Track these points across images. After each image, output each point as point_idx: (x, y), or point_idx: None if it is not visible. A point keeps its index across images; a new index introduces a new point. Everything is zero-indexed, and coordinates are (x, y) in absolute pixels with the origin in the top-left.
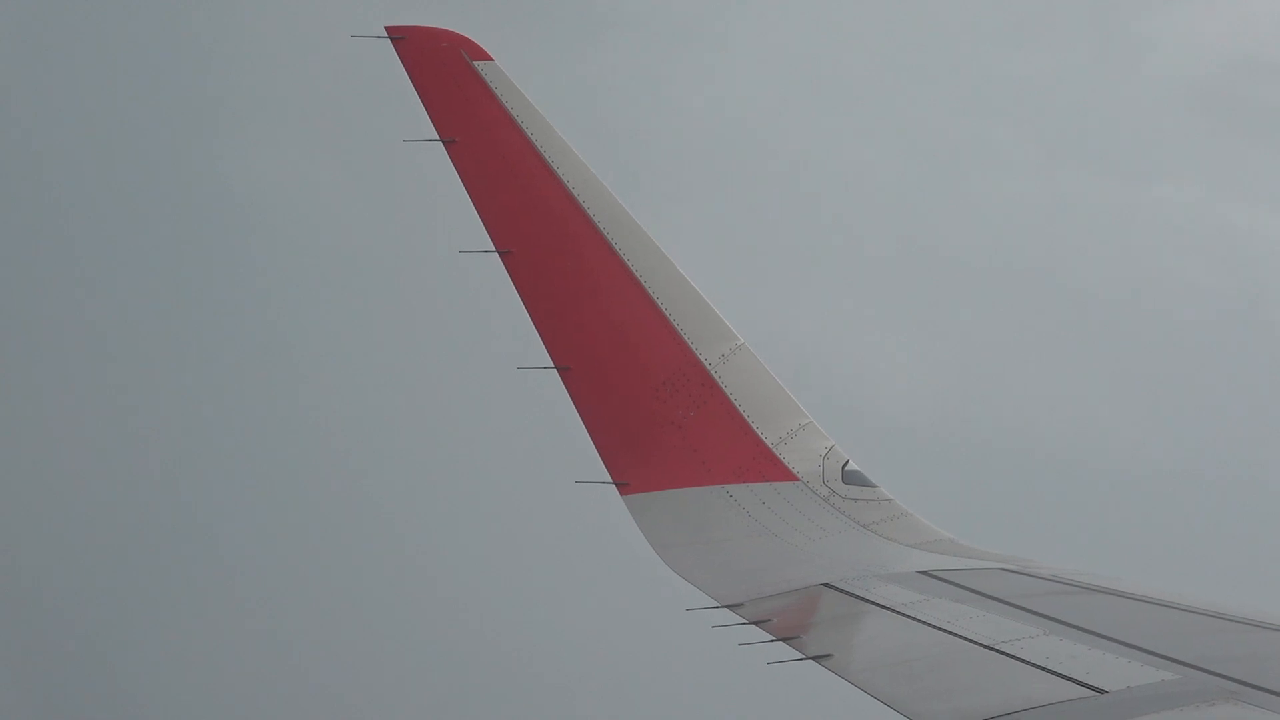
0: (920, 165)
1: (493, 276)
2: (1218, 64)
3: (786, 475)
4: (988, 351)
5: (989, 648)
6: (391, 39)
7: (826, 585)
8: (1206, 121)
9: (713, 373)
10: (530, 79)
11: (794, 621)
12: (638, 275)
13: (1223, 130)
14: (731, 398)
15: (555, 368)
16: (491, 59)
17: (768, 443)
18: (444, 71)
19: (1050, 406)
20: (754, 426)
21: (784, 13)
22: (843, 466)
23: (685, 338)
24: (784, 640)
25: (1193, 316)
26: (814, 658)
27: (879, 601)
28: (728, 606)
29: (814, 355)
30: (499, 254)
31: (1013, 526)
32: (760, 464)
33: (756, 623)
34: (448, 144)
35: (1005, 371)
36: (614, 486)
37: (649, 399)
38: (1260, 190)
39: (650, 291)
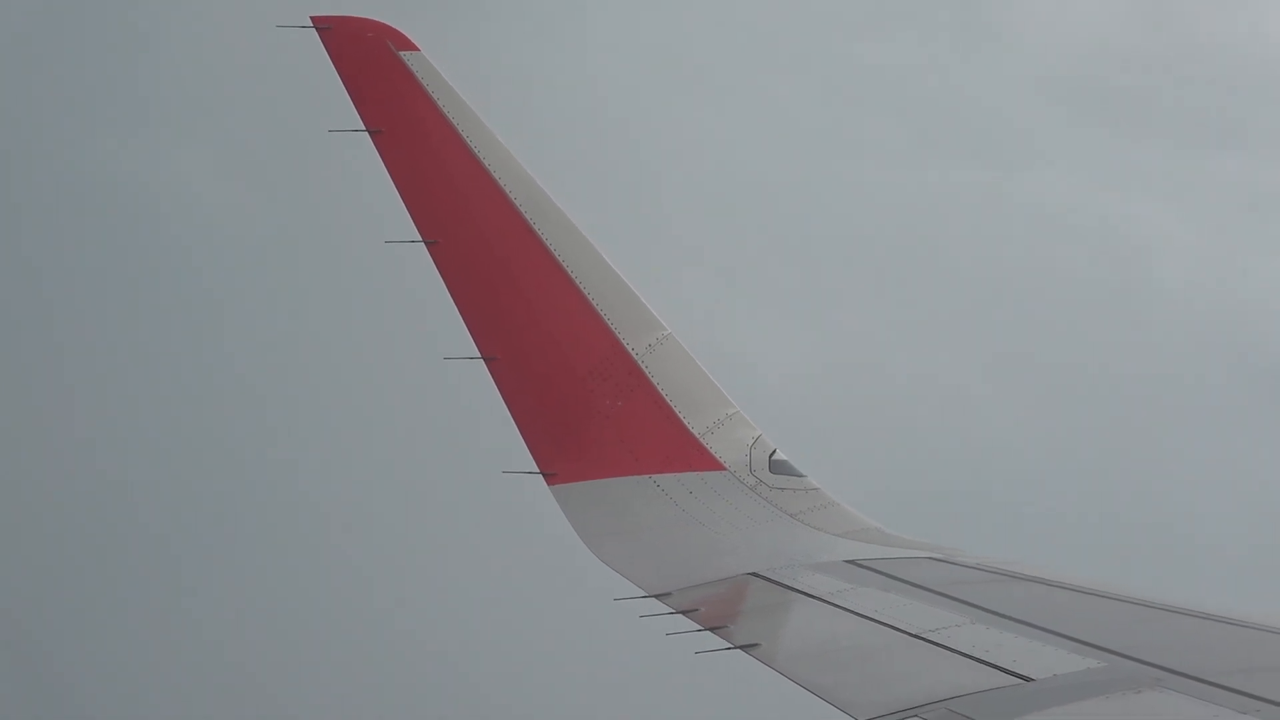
0: (787, 155)
1: (419, 266)
2: (1074, 53)
3: (713, 465)
4: (862, 341)
5: (916, 636)
6: (317, 28)
7: (754, 574)
8: (1066, 110)
9: (640, 362)
10: (459, 68)
11: (721, 611)
12: (564, 265)
13: (1082, 119)
14: (658, 387)
15: (482, 358)
16: (418, 49)
17: (695, 432)
18: (370, 61)
19: (929, 392)
20: (681, 416)
21: (645, 2)
22: (770, 456)
23: (612, 327)
24: (711, 630)
25: (1065, 302)
26: (741, 647)
27: (806, 590)
28: (655, 596)
29: (692, 344)
30: (425, 244)
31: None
32: (687, 453)
33: (684, 612)
34: (374, 134)
35: (881, 360)
36: (541, 477)
37: (576, 389)
38: (1122, 178)
39: (577, 281)
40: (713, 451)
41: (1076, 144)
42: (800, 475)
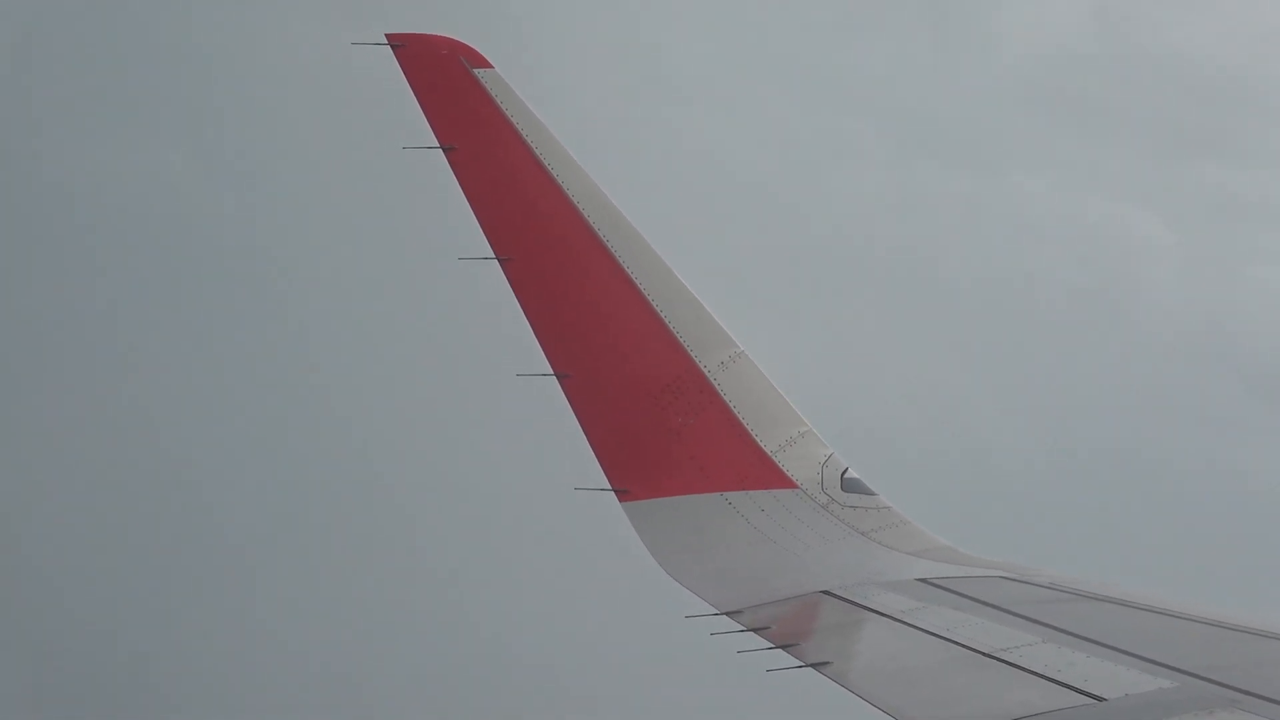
0: (771, 159)
1: (492, 283)
2: (1051, 60)
3: (785, 482)
4: (851, 347)
5: (987, 655)
6: (392, 46)
7: (825, 592)
8: (1044, 116)
9: (712, 380)
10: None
11: (793, 629)
12: (637, 282)
13: (1060, 125)
14: (730, 405)
15: (555, 375)
16: (492, 66)
17: (767, 450)
18: (444, 79)
19: (915, 396)
20: (753, 434)
21: (625, 8)
22: (841, 474)
23: (685, 345)
24: (783, 648)
25: (1050, 303)
26: (813, 665)
27: (878, 609)
28: (727, 614)
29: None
30: (498, 261)
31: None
32: (759, 471)
33: (755, 630)
34: (448, 151)
35: (865, 363)
36: (613, 494)
37: (648, 406)
38: (1103, 183)
39: (649, 299)
40: (785, 469)
41: (1055, 149)
42: (872, 494)
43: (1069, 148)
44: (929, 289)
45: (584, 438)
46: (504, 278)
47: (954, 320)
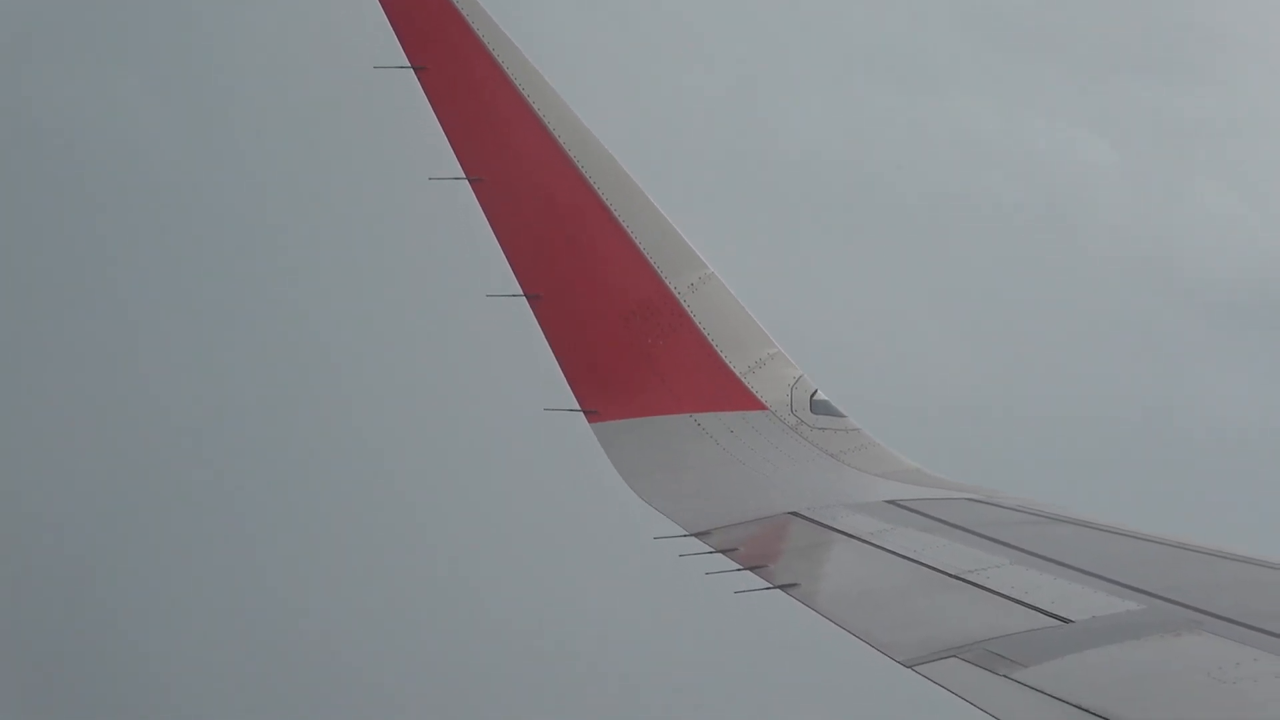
0: (714, 82)
1: (464, 204)
2: None
3: (755, 404)
4: (792, 266)
5: (955, 577)
6: None
7: (794, 514)
8: (983, 35)
9: (682, 301)
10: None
11: (761, 550)
12: (608, 204)
13: (998, 43)
14: (700, 326)
15: (525, 296)
16: None
17: (736, 371)
18: None
19: (862, 318)
20: (722, 355)
21: None
22: (811, 396)
23: (655, 267)
24: (751, 569)
25: (995, 226)
26: (781, 586)
27: (846, 530)
28: (695, 535)
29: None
30: (469, 181)
31: None
32: (729, 392)
33: (724, 551)
34: (418, 71)
35: (811, 286)
36: (582, 414)
37: (618, 328)
38: (1040, 102)
39: (620, 220)
40: (754, 391)
41: (994, 71)
42: (841, 415)
43: (1007, 69)
44: (873, 211)
45: (554, 359)
46: (475, 198)
47: (900, 243)
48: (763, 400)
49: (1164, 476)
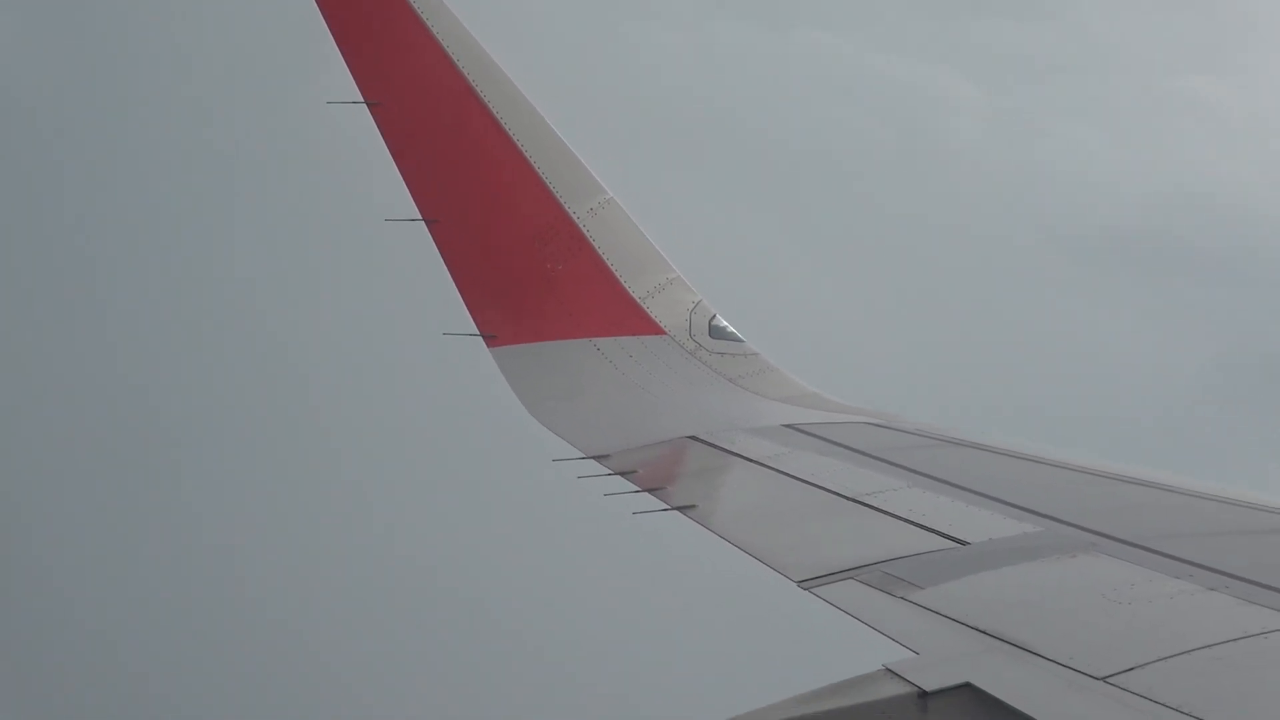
0: (567, 16)
1: (361, 127)
2: None
3: (653, 329)
4: (655, 204)
5: (852, 500)
6: None
7: (692, 437)
8: None
9: (581, 226)
10: None
11: (659, 473)
12: (507, 128)
13: None
14: (599, 251)
15: (423, 220)
16: None
17: (635, 296)
18: None
19: (727, 254)
20: (621, 280)
21: None
22: (709, 321)
23: (554, 191)
24: (649, 491)
25: (856, 161)
26: (678, 508)
27: (743, 454)
28: (594, 458)
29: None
30: (368, 105)
31: None
32: (627, 317)
33: (622, 474)
34: None
35: (675, 222)
36: (481, 339)
37: (517, 252)
38: (894, 38)
39: (519, 145)
40: (653, 315)
41: (851, 7)
42: (739, 340)
43: (866, 5)
44: (734, 147)
45: (452, 283)
46: (373, 122)
47: (761, 179)
48: (661, 325)
49: (1028, 410)
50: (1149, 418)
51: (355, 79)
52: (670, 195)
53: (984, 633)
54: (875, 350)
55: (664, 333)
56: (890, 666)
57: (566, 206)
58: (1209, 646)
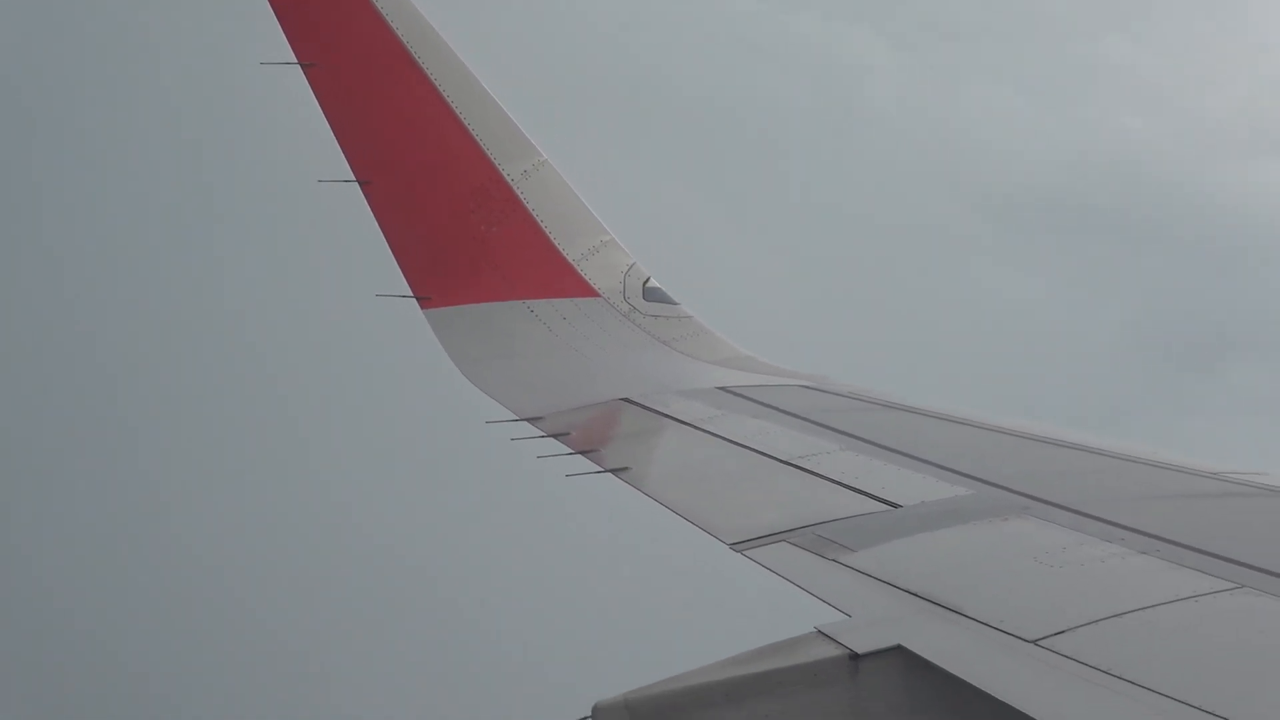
0: None
1: (294, 89)
2: None
3: (588, 291)
4: (569, 163)
5: (785, 462)
6: None
7: (625, 400)
8: None
9: (515, 188)
10: None
11: (592, 435)
12: (441, 90)
13: None
14: (534, 213)
15: (357, 181)
16: None
17: (569, 258)
18: None
19: (634, 215)
20: (555, 242)
21: None
22: (644, 283)
23: (488, 153)
24: (582, 453)
25: (773, 122)
26: (612, 471)
27: (677, 416)
28: (527, 420)
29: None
30: (301, 66)
31: None
32: (562, 279)
33: (555, 436)
34: None
35: (589, 182)
36: (415, 300)
37: (451, 214)
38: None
39: (453, 106)
40: (587, 278)
41: None
42: (674, 303)
43: None
44: (648, 109)
45: (386, 245)
46: (307, 83)
47: (679, 141)
48: (596, 287)
49: (945, 370)
50: (1064, 378)
51: (288, 40)
52: (585, 158)
53: (916, 595)
54: (795, 313)
55: (598, 295)
56: (822, 628)
57: (500, 168)
58: (1140, 610)
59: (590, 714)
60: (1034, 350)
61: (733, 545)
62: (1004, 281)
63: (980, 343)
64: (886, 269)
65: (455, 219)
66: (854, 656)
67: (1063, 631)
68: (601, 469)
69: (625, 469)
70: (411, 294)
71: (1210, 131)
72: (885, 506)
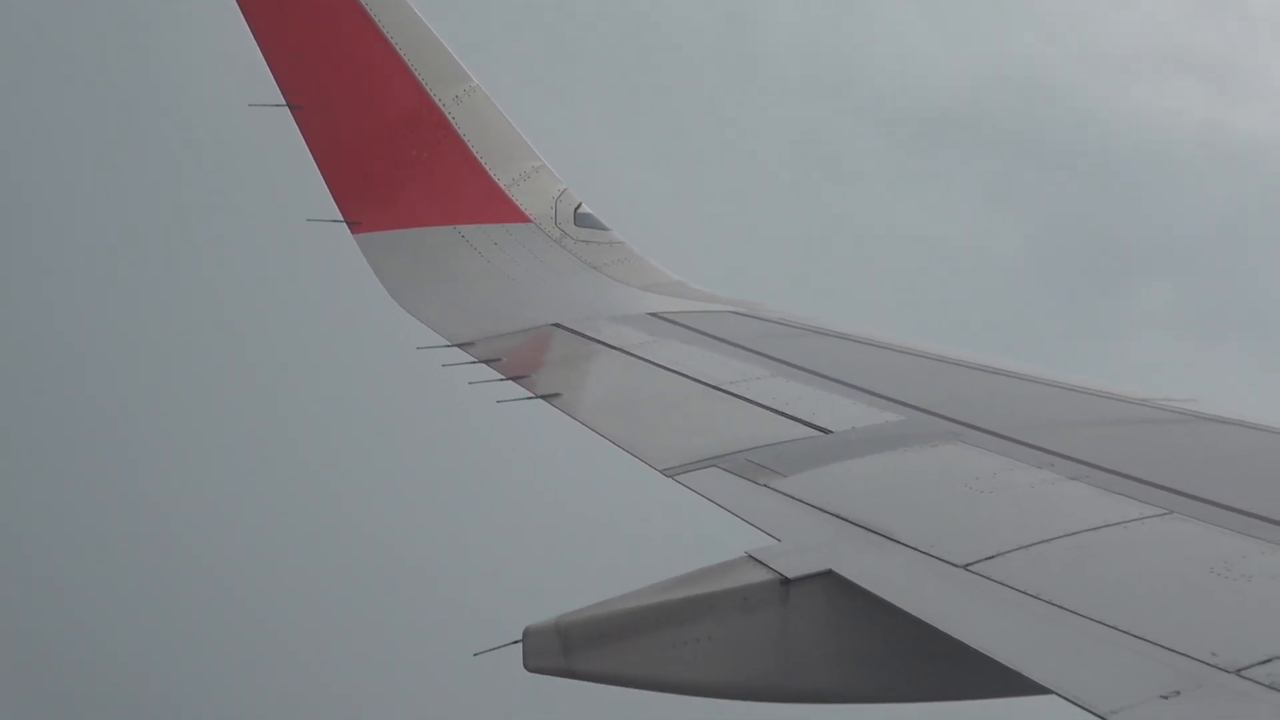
0: None
1: (225, 16)
2: None
3: (519, 216)
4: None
5: (716, 388)
6: None
7: (557, 325)
8: None
9: (447, 113)
10: None
11: (524, 360)
12: (372, 13)
13: None
14: (465, 138)
15: (288, 106)
16: None
17: (500, 184)
18: None
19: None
20: (487, 167)
21: None
22: (575, 209)
23: (419, 78)
24: (514, 379)
25: (671, 36)
26: (543, 396)
27: (608, 342)
28: (458, 345)
29: None
30: None
31: None
32: (493, 205)
33: (487, 361)
34: None
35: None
36: (346, 225)
37: (382, 139)
38: None
39: (384, 30)
40: (518, 203)
41: None
42: (605, 229)
43: None
44: (551, 39)
45: (317, 170)
46: (238, 9)
47: (572, 56)
48: (527, 213)
49: (853, 290)
50: (967, 295)
51: None
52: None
53: (846, 520)
54: (700, 237)
55: (529, 220)
56: (753, 553)
57: (432, 93)
58: (1069, 535)
59: (521, 638)
60: (937, 267)
61: (664, 471)
62: (907, 198)
63: (885, 259)
64: (792, 191)
65: (386, 144)
66: (784, 581)
67: (993, 557)
68: (533, 395)
69: (557, 395)
70: (343, 219)
71: (1115, 53)
72: (816, 432)
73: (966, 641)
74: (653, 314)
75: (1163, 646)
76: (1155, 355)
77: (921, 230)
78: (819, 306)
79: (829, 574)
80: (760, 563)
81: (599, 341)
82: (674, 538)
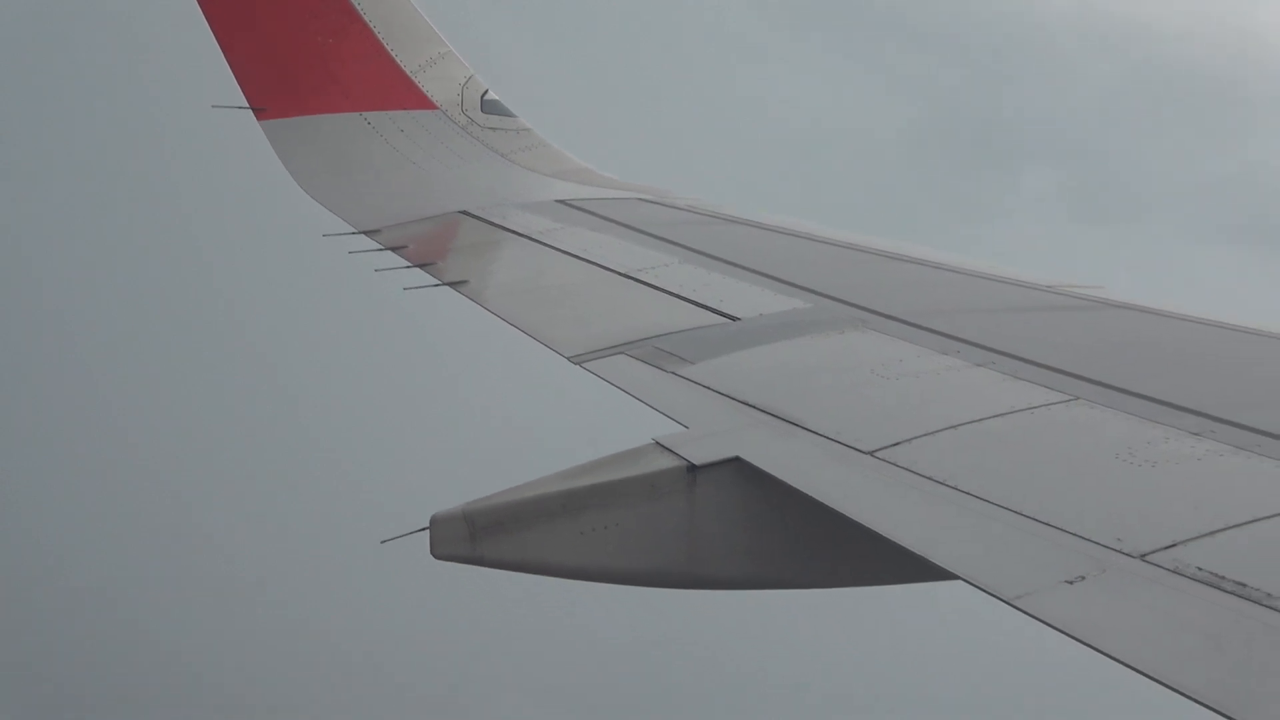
0: None
1: None
2: None
3: (425, 103)
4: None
5: (624, 275)
6: None
7: (464, 212)
8: None
9: None
10: None
11: (431, 248)
12: None
13: None
14: (370, 23)
15: None
16: None
17: (406, 70)
18: None
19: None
20: (392, 53)
21: None
22: (482, 96)
23: None
24: (420, 266)
25: None
26: (449, 284)
27: (515, 229)
28: (365, 233)
29: None
30: None
31: None
32: (399, 91)
33: (393, 249)
34: None
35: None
36: (251, 112)
37: (287, 25)
38: None
39: None
40: (424, 90)
41: None
42: (512, 115)
43: None
44: None
45: (221, 55)
46: None
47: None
48: (433, 99)
49: (741, 170)
50: (847, 179)
51: None
52: None
53: (753, 407)
54: (593, 124)
55: (435, 107)
56: (659, 440)
57: None
58: (975, 422)
59: (429, 525)
60: (816, 150)
61: (571, 358)
62: (785, 81)
63: (769, 146)
64: (680, 75)
65: (292, 29)
66: (692, 468)
67: (899, 443)
68: (439, 282)
69: (463, 282)
70: (248, 105)
71: None
72: (723, 319)
73: (872, 527)
74: (560, 201)
75: (1068, 532)
76: (1036, 237)
77: (807, 112)
78: (713, 191)
79: (736, 460)
80: (667, 449)
81: (506, 229)
82: (582, 425)
